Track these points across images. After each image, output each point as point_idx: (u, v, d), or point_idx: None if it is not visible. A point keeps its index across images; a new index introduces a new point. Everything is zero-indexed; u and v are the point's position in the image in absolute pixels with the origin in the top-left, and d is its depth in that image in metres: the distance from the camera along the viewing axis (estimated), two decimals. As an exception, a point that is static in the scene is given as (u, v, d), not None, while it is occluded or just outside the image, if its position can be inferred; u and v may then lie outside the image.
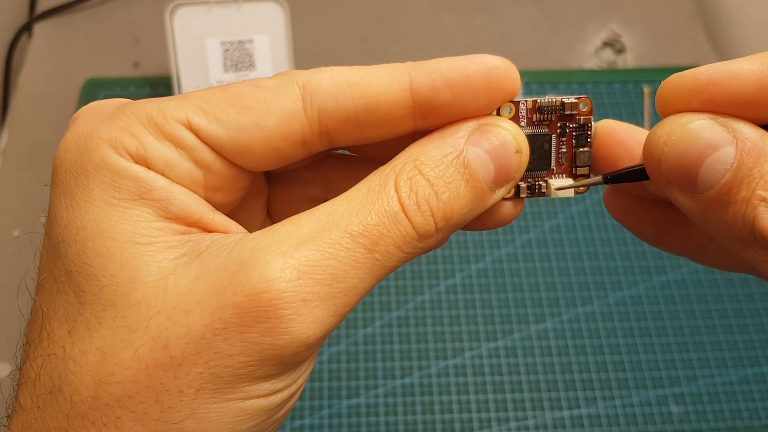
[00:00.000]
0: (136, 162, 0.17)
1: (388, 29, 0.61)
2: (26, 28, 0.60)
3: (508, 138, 0.18)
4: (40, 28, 0.60)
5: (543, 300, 0.48)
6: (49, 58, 0.58)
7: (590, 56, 0.61)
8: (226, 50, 0.50)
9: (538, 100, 0.19)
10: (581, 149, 0.20)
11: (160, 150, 0.17)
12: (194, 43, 0.50)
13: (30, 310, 0.18)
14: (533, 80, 0.58)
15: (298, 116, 0.17)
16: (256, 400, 0.16)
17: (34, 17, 0.60)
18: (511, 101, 0.19)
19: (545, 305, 0.47)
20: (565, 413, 0.43)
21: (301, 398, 0.43)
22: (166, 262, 0.16)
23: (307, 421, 0.42)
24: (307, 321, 0.15)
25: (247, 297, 0.15)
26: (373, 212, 0.16)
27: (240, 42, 0.50)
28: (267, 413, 0.17)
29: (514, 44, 0.61)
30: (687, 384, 0.45)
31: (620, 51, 0.61)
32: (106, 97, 0.55)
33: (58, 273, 0.16)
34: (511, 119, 0.19)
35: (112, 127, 0.17)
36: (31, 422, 0.16)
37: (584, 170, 0.20)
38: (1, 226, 0.49)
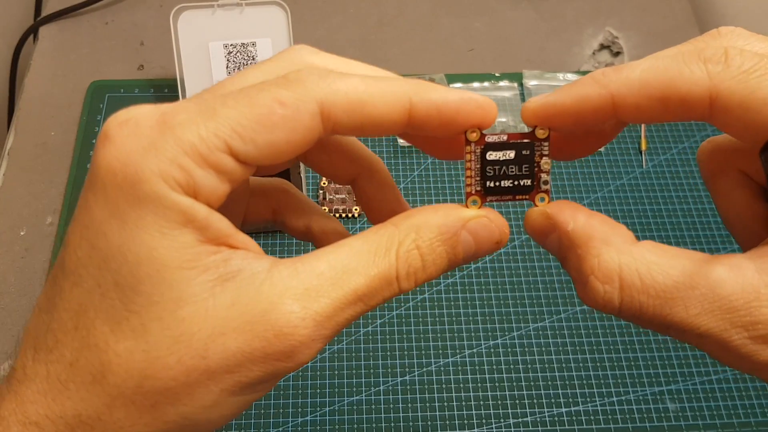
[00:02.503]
0: (186, 193, 0.19)
1: (389, 32, 0.62)
2: (32, 31, 0.61)
3: (495, 234, 0.22)
4: (45, 31, 0.60)
5: (542, 298, 0.48)
6: (54, 61, 0.59)
7: (588, 58, 0.62)
8: (229, 53, 0.50)
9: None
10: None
11: (207, 179, 0.19)
12: (198, 46, 0.50)
13: (45, 297, 0.21)
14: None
15: (317, 128, 0.20)
16: (259, 393, 0.21)
17: (39, 20, 0.60)
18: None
19: (544, 303, 0.48)
20: (564, 410, 0.44)
21: (304, 395, 0.44)
22: (205, 284, 0.19)
23: (308, 418, 0.43)
24: (311, 352, 0.20)
25: (274, 335, 0.19)
26: (377, 277, 0.20)
27: (243, 45, 0.50)
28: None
29: (512, 47, 0.62)
30: (683, 381, 0.45)
31: (617, 53, 0.62)
32: (111, 99, 0.56)
33: (104, 281, 0.19)
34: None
35: (160, 159, 0.19)
36: (62, 395, 0.19)
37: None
38: (8, 226, 0.50)
